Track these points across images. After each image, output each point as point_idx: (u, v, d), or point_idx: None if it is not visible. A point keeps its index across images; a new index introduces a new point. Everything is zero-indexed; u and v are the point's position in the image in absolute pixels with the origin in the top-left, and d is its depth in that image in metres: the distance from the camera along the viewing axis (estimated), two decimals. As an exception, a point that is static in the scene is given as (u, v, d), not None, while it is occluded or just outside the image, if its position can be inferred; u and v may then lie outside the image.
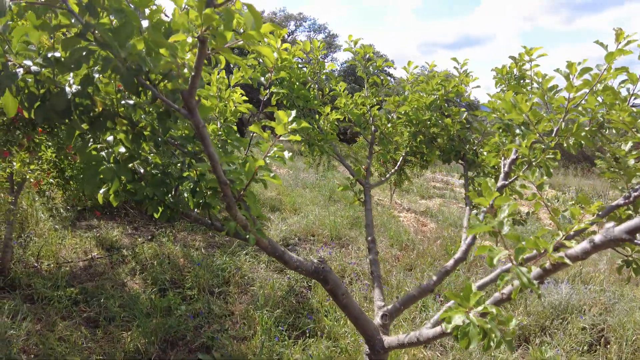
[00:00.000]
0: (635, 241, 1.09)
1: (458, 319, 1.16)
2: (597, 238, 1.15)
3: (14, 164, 3.46)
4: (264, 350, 3.56)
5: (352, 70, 26.42)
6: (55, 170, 4.34)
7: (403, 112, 2.70)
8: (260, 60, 2.30)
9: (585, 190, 13.31)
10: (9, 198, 3.75)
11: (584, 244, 1.19)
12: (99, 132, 1.48)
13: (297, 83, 2.44)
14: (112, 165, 1.51)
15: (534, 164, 1.93)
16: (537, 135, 1.90)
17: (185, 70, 1.17)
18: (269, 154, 1.36)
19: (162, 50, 1.13)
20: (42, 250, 4.83)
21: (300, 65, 2.68)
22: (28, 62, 1.26)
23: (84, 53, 1.15)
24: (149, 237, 5.86)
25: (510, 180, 2.11)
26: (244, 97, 2.08)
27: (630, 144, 1.85)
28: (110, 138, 1.60)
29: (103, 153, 1.55)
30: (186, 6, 1.15)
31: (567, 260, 1.18)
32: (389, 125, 2.74)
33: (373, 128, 2.81)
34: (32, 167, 3.75)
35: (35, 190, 4.81)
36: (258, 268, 5.23)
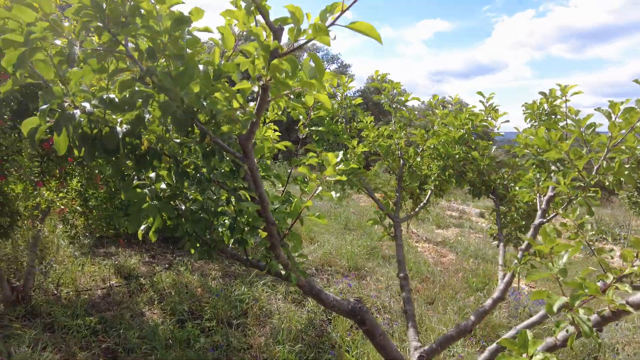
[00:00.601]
0: None
1: (517, 370, 1.11)
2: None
3: (44, 192, 3.52)
4: (286, 387, 3.46)
5: (364, 98, 26.75)
6: (80, 199, 4.40)
7: (432, 146, 2.69)
8: (291, 97, 2.34)
9: (606, 220, 13.02)
10: (38, 225, 3.79)
11: (648, 292, 1.15)
12: (144, 169, 1.50)
13: (327, 118, 2.47)
14: (156, 202, 1.52)
15: (574, 202, 1.90)
16: (577, 172, 1.87)
17: (238, 113, 1.19)
18: (315, 194, 1.36)
19: (217, 94, 1.15)
20: (62, 277, 4.84)
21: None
22: (85, 104, 1.29)
23: (142, 96, 1.18)
24: (167, 265, 5.85)
25: (548, 218, 2.07)
26: (277, 133, 2.11)
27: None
28: (152, 175, 1.61)
29: (146, 190, 1.56)
30: (238, 48, 1.18)
31: (629, 309, 1.14)
32: (418, 158, 2.73)
33: (402, 161, 2.81)
34: (60, 195, 3.81)
35: (59, 217, 4.87)
36: (276, 299, 5.16)
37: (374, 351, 3.92)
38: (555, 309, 1.11)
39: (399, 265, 2.43)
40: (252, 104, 1.20)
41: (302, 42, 0.98)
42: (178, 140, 1.52)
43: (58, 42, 1.19)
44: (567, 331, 1.30)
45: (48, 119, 1.34)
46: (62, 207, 3.96)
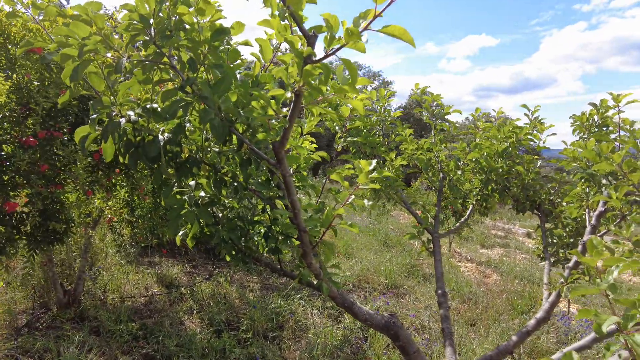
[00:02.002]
0: None
1: (562, 394, 1.03)
2: None
3: (95, 201, 3.72)
4: (320, 404, 3.40)
5: (405, 114, 26.54)
6: (127, 209, 4.61)
7: (473, 159, 2.62)
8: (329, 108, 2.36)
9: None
10: (90, 232, 4.00)
11: None
12: (184, 177, 1.55)
13: (365, 130, 2.46)
14: (194, 209, 1.57)
15: (628, 218, 1.77)
16: (632, 186, 1.75)
17: (273, 121, 1.21)
18: (347, 202, 1.35)
19: (253, 103, 1.18)
20: (109, 284, 5.06)
21: (366, 114, 2.72)
22: (130, 113, 1.37)
23: (182, 104, 1.23)
24: (207, 276, 5.98)
25: (599, 235, 1.94)
26: (314, 145, 2.12)
27: None
28: (192, 183, 1.67)
29: (185, 197, 1.61)
30: (277, 59, 1.21)
31: (691, 333, 1.03)
32: (459, 172, 2.66)
33: (441, 175, 2.74)
34: (110, 203, 4.02)
35: (108, 226, 5.13)
36: (312, 313, 5.13)
37: (411, 372, 3.79)
38: (604, 329, 1.03)
39: (437, 281, 2.35)
40: (286, 109, 1.22)
41: (336, 49, 0.99)
42: (217, 149, 1.57)
43: (109, 54, 1.27)
44: (619, 356, 1.20)
45: (97, 127, 1.42)
46: (111, 215, 4.16)
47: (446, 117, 2.96)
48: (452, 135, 3.11)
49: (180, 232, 1.68)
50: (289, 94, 1.10)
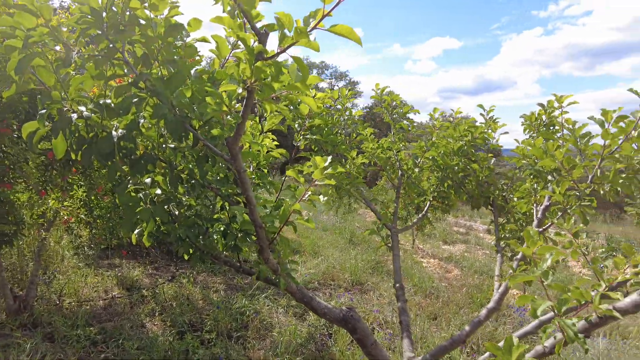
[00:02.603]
0: (692, 296, 1.04)
1: (502, 375, 1.10)
2: (649, 291, 1.10)
3: (49, 202, 3.58)
4: (284, 401, 3.41)
5: (371, 115, 26.88)
6: (85, 209, 4.45)
7: (430, 157, 2.71)
8: (291, 107, 2.38)
9: (617, 237, 12.81)
10: (43, 234, 3.84)
11: (635, 297, 1.14)
12: (139, 174, 1.53)
13: (326, 129, 2.50)
14: (150, 206, 1.55)
15: (569, 211, 1.89)
16: (572, 182, 1.87)
17: (229, 117, 1.22)
18: (303, 198, 1.38)
19: (208, 99, 1.18)
20: (65, 288, 4.87)
21: (328, 113, 2.75)
22: (82, 108, 1.34)
23: (135, 100, 1.21)
24: (170, 277, 5.86)
25: (544, 228, 2.06)
26: (275, 142, 2.14)
27: (670, 192, 1.80)
28: (147, 180, 1.65)
29: (141, 195, 1.59)
30: (232, 56, 1.22)
31: (616, 314, 1.13)
32: (416, 170, 2.74)
33: (400, 172, 2.82)
34: (66, 204, 3.87)
35: (64, 227, 4.93)
36: (277, 312, 5.13)
37: (374, 366, 3.86)
38: (539, 312, 1.10)
39: (395, 275, 2.41)
40: (239, 105, 1.23)
41: (287, 47, 1.01)
42: (173, 146, 1.56)
43: (57, 47, 1.24)
44: (554, 338, 1.29)
45: (47, 123, 1.38)
46: (67, 216, 4.01)
47: (410, 117, 3.05)
48: (416, 136, 3.20)
49: (136, 231, 1.65)
50: (240, 90, 1.12)
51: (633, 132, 1.84)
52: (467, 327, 2.03)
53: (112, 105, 1.34)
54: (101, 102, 1.35)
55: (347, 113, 2.88)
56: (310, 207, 1.59)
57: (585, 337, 1.23)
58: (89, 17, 1.24)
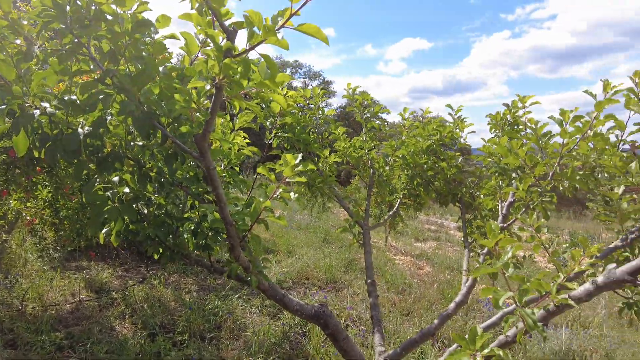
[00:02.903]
0: (638, 282, 1.11)
1: (465, 363, 1.15)
2: (600, 279, 1.17)
3: (11, 202, 3.44)
4: (258, 400, 3.41)
5: (345, 115, 27.04)
6: (50, 210, 4.31)
7: (400, 156, 2.76)
8: (263, 105, 2.39)
9: (579, 232, 13.37)
10: (3, 236, 3.69)
11: (587, 286, 1.21)
12: (107, 172, 1.50)
13: (298, 127, 2.51)
14: (117, 205, 1.52)
15: (531, 206, 1.97)
16: (534, 178, 1.95)
17: (197, 115, 1.22)
18: (274, 195, 1.39)
19: (176, 96, 1.17)
20: (28, 292, 4.69)
21: (300, 111, 2.77)
22: (45, 104, 1.30)
23: (102, 97, 1.19)
24: (140, 279, 5.74)
25: (508, 223, 2.15)
26: (247, 140, 2.13)
27: (622, 187, 1.90)
28: (115, 178, 1.62)
29: (108, 193, 1.56)
30: (201, 54, 1.22)
31: (571, 302, 1.19)
32: (387, 168, 2.79)
33: (371, 171, 2.86)
34: (29, 204, 3.73)
35: (27, 229, 4.75)
36: (251, 312, 5.10)
37: (347, 362, 3.91)
38: (500, 303, 1.15)
39: (367, 271, 2.45)
40: (207, 101, 1.23)
41: (256, 44, 1.02)
42: (141, 144, 1.53)
43: (18, 41, 1.20)
44: (517, 327, 1.35)
45: (7, 119, 1.34)
46: (30, 217, 3.87)
47: (382, 116, 3.10)
48: (387, 135, 3.25)
49: (104, 230, 1.62)
50: (208, 87, 1.12)
51: (589, 131, 1.94)
52: (436, 321, 2.09)
53: (78, 101, 1.31)
54: (66, 98, 1.32)
55: (320, 112, 2.90)
56: (285, 206, 1.60)
57: (544, 325, 1.30)
58: (52, 10, 1.21)
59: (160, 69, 1.21)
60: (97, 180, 1.58)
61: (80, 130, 1.39)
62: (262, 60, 1.13)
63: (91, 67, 1.32)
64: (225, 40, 1.02)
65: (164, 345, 3.98)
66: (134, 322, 4.54)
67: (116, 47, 1.21)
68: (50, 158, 1.42)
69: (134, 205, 1.57)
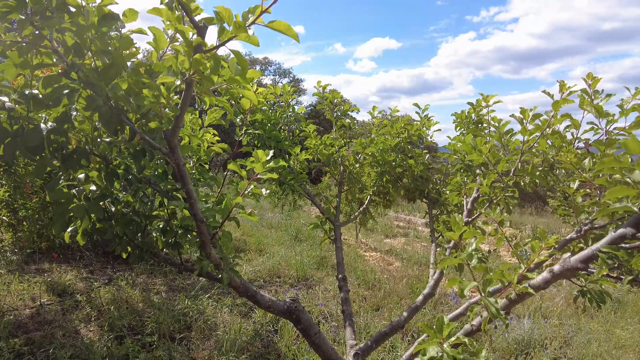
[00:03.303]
0: (589, 269, 1.19)
1: (432, 351, 1.19)
2: (556, 268, 1.24)
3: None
4: (230, 399, 3.39)
5: (315, 113, 27.07)
6: (7, 210, 4.12)
7: (370, 153, 2.81)
8: (232, 102, 2.37)
9: (540, 227, 13.95)
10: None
11: (545, 274, 1.28)
12: (72, 169, 1.46)
13: (269, 124, 2.51)
14: (84, 203, 1.48)
15: (494, 201, 2.05)
16: (497, 174, 2.04)
17: (167, 110, 1.21)
18: (246, 192, 1.39)
19: (145, 91, 1.16)
20: (-16, 298, 4.48)
21: (271, 109, 2.77)
22: (3, 99, 1.25)
23: (66, 91, 1.16)
24: (106, 281, 5.57)
25: (473, 218, 2.23)
26: (217, 137, 2.12)
27: (577, 182, 2.01)
28: (81, 176, 1.57)
29: (74, 191, 1.52)
30: (170, 49, 1.20)
31: (530, 290, 1.26)
32: (357, 165, 2.84)
33: (342, 168, 2.90)
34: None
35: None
36: (222, 312, 5.05)
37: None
38: (465, 292, 1.21)
39: (338, 266, 2.49)
40: (177, 97, 1.22)
41: (226, 40, 1.02)
42: (108, 140, 1.50)
43: (-26, 34, 1.15)
44: (481, 316, 1.41)
45: (-37, 114, 1.28)
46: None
47: (352, 115, 3.13)
48: (357, 133, 3.29)
49: (69, 229, 1.57)
50: (178, 82, 1.11)
51: (547, 129, 2.04)
52: (405, 313, 2.14)
53: (40, 96, 1.27)
54: (27, 92, 1.28)
55: (291, 110, 2.91)
56: (256, 204, 1.60)
57: (507, 313, 1.36)
58: (10, 0, 1.17)
59: (128, 64, 1.19)
60: (62, 177, 1.53)
61: (43, 125, 1.35)
62: (232, 56, 1.13)
63: (54, 60, 1.28)
64: (195, 36, 1.01)
65: (133, 348, 3.89)
66: (100, 324, 4.41)
67: (82, 41, 1.18)
68: (8, 155, 1.36)
69: (100, 203, 1.54)
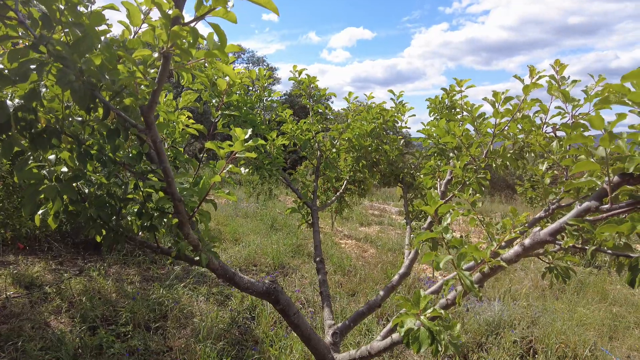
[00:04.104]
0: (557, 242, 1.25)
1: (410, 323, 1.23)
2: (527, 241, 1.30)
3: None
4: (207, 385, 3.39)
5: (290, 101, 26.91)
6: (-31, 200, 3.95)
7: (346, 139, 2.83)
8: (202, 83, 2.33)
9: (510, 214, 14.41)
10: None
11: (516, 248, 1.33)
12: (42, 149, 1.41)
13: (245, 107, 2.49)
14: (55, 184, 1.44)
15: (467, 183, 2.11)
16: (470, 157, 2.09)
17: (142, 87, 1.18)
18: (224, 172, 1.38)
19: (120, 67, 1.13)
20: (-54, 292, 4.29)
21: (247, 93, 2.74)
22: (-35, 74, 1.19)
23: (34, 66, 1.12)
24: (77, 272, 5.43)
25: (446, 199, 2.28)
26: (191, 120, 2.09)
27: (546, 164, 2.10)
28: (52, 157, 1.52)
29: (44, 171, 1.47)
30: (146, 25, 1.17)
31: (503, 263, 1.31)
32: (334, 150, 2.85)
33: (319, 153, 2.91)
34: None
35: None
36: (198, 301, 5.02)
37: (296, 343, 3.98)
38: (441, 265, 1.25)
39: (315, 250, 2.51)
40: (154, 70, 1.19)
41: (205, 13, 1.00)
42: (80, 119, 1.45)
43: None
44: (456, 290, 1.46)
45: None
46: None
47: (329, 102, 3.14)
48: (333, 120, 3.30)
49: (40, 211, 1.53)
50: (155, 54, 1.09)
51: (518, 113, 2.11)
52: (381, 293, 2.19)
53: (6, 71, 1.21)
54: (-9, 67, 1.22)
55: (267, 94, 2.89)
56: (231, 194, 1.59)
57: (480, 286, 1.41)
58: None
59: (102, 38, 1.16)
60: (31, 158, 1.48)
61: (9, 102, 1.29)
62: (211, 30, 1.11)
63: (20, 33, 1.22)
64: (172, 9, 0.99)
65: (107, 338, 3.82)
66: (71, 316, 4.30)
67: (50, 12, 1.13)
68: (-27, 133, 1.31)
69: (73, 184, 1.49)
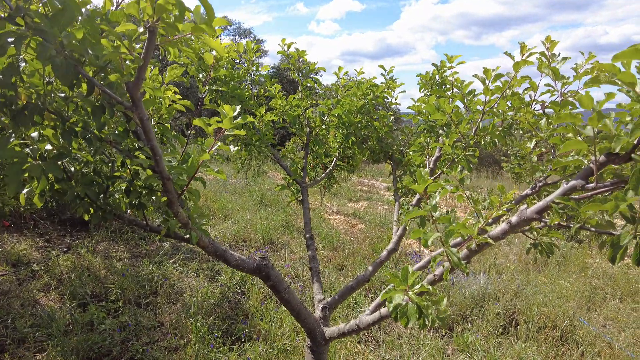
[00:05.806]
0: (543, 219, 1.27)
1: (398, 298, 1.25)
2: (514, 219, 1.32)
3: None
4: (200, 359, 3.45)
5: (279, 75, 26.50)
6: (-50, 177, 3.85)
7: (336, 115, 2.81)
8: (194, 60, 2.27)
9: (496, 190, 14.66)
10: None
11: (503, 225, 1.35)
12: (24, 127, 1.37)
13: (233, 82, 2.44)
14: (40, 162, 1.40)
15: (456, 160, 2.13)
16: (459, 134, 2.10)
17: (127, 63, 1.14)
18: (212, 149, 1.36)
19: (103, 41, 1.09)
20: None
21: (234, 67, 2.68)
22: (-59, 47, 1.14)
23: (12, 39, 1.07)
24: (65, 249, 5.40)
25: (435, 176, 2.30)
26: (178, 96, 2.04)
27: (534, 142, 2.11)
28: (34, 134, 1.49)
29: (28, 150, 1.43)
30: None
31: (490, 240, 1.34)
32: (323, 127, 2.83)
33: (308, 129, 2.89)
34: None
35: None
36: (187, 277, 5.05)
37: (286, 317, 4.06)
38: (429, 242, 1.27)
39: (305, 226, 2.53)
40: (139, 46, 1.15)
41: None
42: (63, 95, 1.41)
43: None
44: (443, 266, 1.49)
45: None
46: None
47: (317, 77, 3.09)
48: (324, 95, 3.26)
49: (25, 190, 1.50)
50: (141, 29, 1.05)
51: (507, 90, 2.10)
52: (370, 268, 2.23)
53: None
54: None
55: (255, 68, 2.83)
56: (220, 172, 1.57)
57: (467, 263, 1.44)
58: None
59: (83, 10, 1.11)
60: (12, 136, 1.44)
61: (-13, 78, 1.25)
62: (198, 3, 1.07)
63: (-4, 5, 1.17)
64: (156, -20, 0.95)
65: (97, 314, 3.84)
66: (60, 293, 4.31)
67: (27, -17, 1.08)
68: (-48, 110, 1.26)
69: (59, 162, 1.46)
